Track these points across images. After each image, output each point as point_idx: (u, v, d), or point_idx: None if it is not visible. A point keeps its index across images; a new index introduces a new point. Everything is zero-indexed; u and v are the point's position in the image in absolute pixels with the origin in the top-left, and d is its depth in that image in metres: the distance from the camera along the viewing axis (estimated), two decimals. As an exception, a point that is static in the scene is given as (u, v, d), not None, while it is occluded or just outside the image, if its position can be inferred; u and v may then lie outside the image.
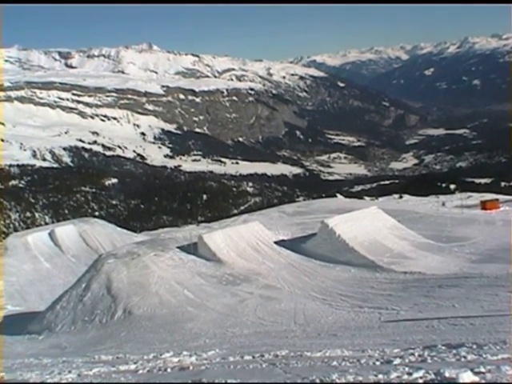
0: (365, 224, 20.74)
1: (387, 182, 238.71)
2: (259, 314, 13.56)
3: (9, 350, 14.70)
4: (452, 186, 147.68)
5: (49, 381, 8.43)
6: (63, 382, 7.12)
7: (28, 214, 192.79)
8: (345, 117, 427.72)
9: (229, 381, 6.98)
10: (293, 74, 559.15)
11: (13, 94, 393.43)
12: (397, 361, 7.54)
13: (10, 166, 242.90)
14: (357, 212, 22.39)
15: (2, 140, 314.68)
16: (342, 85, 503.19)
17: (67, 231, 39.83)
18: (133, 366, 9.28)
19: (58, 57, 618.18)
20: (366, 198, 78.04)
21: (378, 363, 7.55)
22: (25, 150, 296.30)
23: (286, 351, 8.89)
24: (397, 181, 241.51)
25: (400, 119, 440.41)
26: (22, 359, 12.04)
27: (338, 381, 6.37)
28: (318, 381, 6.46)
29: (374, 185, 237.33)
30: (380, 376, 6.24)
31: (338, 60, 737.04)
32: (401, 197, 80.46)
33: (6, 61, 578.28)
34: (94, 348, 12.63)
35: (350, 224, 20.32)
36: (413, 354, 8.04)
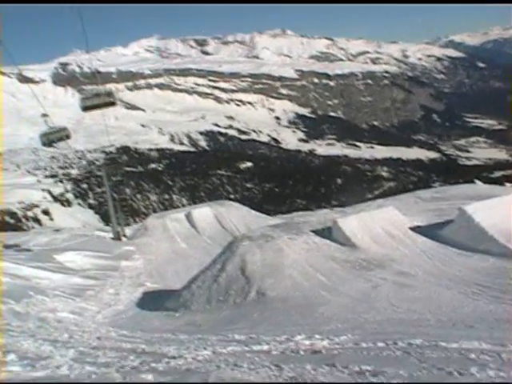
0: (505, 212, 19.70)
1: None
2: (392, 301, 13.24)
3: (148, 324, 15.33)
4: None
5: (186, 356, 8.74)
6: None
7: (166, 196, 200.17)
8: (485, 99, 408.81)
9: (363, 367, 6.94)
10: (429, 56, 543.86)
11: (152, 81, 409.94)
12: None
13: (150, 149, 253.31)
14: (497, 199, 21.29)
15: (143, 125, 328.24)
16: (482, 65, 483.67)
17: (203, 213, 40.72)
18: (265, 347, 9.38)
19: (194, 44, 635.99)
20: (507, 184, 74.58)
21: (520, 359, 7.18)
22: (163, 134, 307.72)
23: (419, 340, 8.66)
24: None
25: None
26: (160, 334, 12.48)
27: (478, 375, 6.16)
28: (455, 373, 6.28)
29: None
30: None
31: (478, 39, 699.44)
32: (545, 183, 76.44)
33: (146, 50, 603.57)
34: (228, 327, 12.84)
35: (489, 211, 19.40)
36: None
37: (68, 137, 23.83)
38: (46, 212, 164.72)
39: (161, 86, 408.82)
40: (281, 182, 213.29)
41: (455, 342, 8.23)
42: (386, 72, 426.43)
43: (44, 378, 7.35)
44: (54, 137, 23.75)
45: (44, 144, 24.38)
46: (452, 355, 7.42)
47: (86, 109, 23.02)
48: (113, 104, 22.89)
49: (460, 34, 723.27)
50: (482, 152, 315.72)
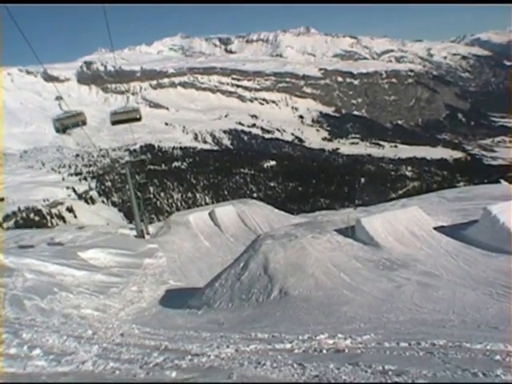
0: (531, 212, 19.51)
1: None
2: (416, 301, 13.17)
3: (171, 321, 15.38)
4: None
5: (209, 353, 8.77)
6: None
7: (189, 195, 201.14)
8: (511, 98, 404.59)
9: (386, 366, 6.91)
10: (455, 54, 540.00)
11: (176, 79, 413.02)
12: None
13: (173, 148, 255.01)
14: (523, 199, 21.08)
15: (167, 124, 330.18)
16: (508, 63, 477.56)
17: (226, 211, 40.80)
18: (288, 345, 9.37)
19: (218, 43, 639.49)
20: (533, 183, 73.64)
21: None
22: (187, 133, 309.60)
23: (443, 341, 8.59)
24: None
25: None
26: (183, 331, 12.52)
27: (503, 377, 6.09)
28: (480, 375, 6.22)
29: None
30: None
31: (505, 37, 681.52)
32: None
33: (171, 49, 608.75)
34: (250, 325, 12.83)
35: (515, 211, 19.21)
36: None
37: (84, 122, 21.99)
38: (70, 209, 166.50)
39: (184, 85, 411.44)
40: (304, 181, 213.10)
41: (480, 344, 8.16)
42: (411, 71, 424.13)
43: (68, 373, 7.43)
44: (68, 122, 21.30)
45: (57, 130, 22.08)
46: (476, 356, 7.36)
47: (114, 123, 23.36)
48: (138, 119, 23.28)
49: (486, 32, 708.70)
50: (507, 152, 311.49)
